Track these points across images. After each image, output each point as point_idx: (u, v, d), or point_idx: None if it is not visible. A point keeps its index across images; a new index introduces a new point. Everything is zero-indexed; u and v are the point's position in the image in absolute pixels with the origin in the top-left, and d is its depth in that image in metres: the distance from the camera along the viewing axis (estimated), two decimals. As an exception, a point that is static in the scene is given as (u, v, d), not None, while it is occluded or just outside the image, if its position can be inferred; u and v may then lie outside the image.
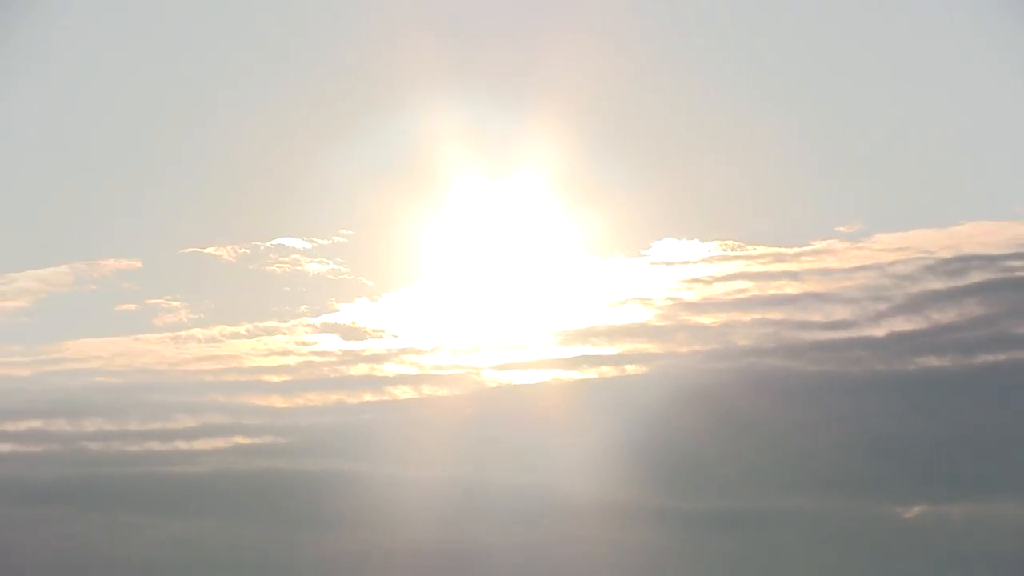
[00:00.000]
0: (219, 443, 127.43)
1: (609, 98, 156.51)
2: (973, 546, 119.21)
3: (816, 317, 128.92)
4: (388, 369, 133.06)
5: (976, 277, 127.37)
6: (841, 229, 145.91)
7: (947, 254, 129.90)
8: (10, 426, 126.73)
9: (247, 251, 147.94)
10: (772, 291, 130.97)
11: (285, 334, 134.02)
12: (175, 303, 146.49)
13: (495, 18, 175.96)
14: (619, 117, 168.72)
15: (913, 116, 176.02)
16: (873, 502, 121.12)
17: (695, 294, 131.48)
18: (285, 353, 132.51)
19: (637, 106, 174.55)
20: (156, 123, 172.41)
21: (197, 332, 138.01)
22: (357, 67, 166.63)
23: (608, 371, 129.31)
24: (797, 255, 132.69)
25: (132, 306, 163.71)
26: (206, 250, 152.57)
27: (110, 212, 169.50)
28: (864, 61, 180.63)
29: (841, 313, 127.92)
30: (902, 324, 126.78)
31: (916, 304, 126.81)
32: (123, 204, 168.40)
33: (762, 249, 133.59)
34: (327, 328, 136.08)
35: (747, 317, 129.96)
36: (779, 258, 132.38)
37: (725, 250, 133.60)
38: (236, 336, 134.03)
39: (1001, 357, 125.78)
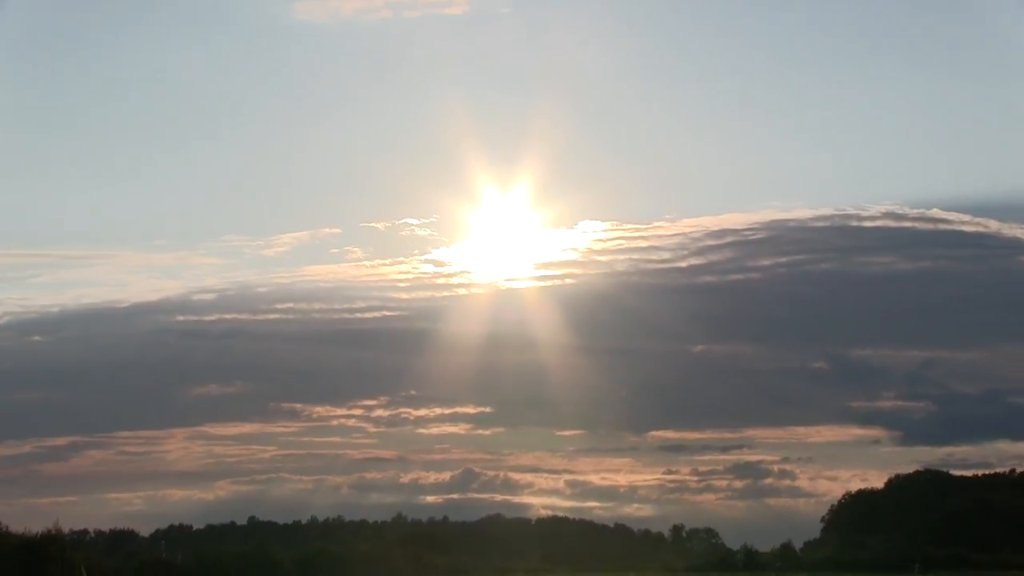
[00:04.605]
0: (375, 314, 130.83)
1: (560, 141, 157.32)
2: (728, 367, 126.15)
3: (654, 257, 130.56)
4: (454, 280, 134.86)
5: (726, 239, 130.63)
6: (667, 215, 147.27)
7: (716, 228, 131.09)
8: (279, 306, 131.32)
9: (390, 225, 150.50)
10: (634, 245, 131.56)
11: (406, 264, 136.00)
12: (356, 249, 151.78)
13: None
14: (562, 154, 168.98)
15: (699, 141, 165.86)
16: (679, 344, 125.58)
17: (599, 246, 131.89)
18: (407, 273, 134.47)
19: (568, 145, 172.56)
20: (347, 154, 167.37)
21: (366, 262, 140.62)
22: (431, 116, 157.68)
23: (557, 282, 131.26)
24: (646, 228, 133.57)
25: (336, 250, 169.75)
26: (371, 224, 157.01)
27: (326, 203, 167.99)
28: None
29: (666, 256, 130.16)
30: (694, 261, 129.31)
31: (700, 252, 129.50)
32: (335, 200, 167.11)
33: (629, 224, 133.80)
34: (426, 261, 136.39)
35: (622, 257, 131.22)
36: (637, 229, 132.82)
37: (612, 225, 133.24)
38: (384, 264, 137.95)
39: (740, 277, 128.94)
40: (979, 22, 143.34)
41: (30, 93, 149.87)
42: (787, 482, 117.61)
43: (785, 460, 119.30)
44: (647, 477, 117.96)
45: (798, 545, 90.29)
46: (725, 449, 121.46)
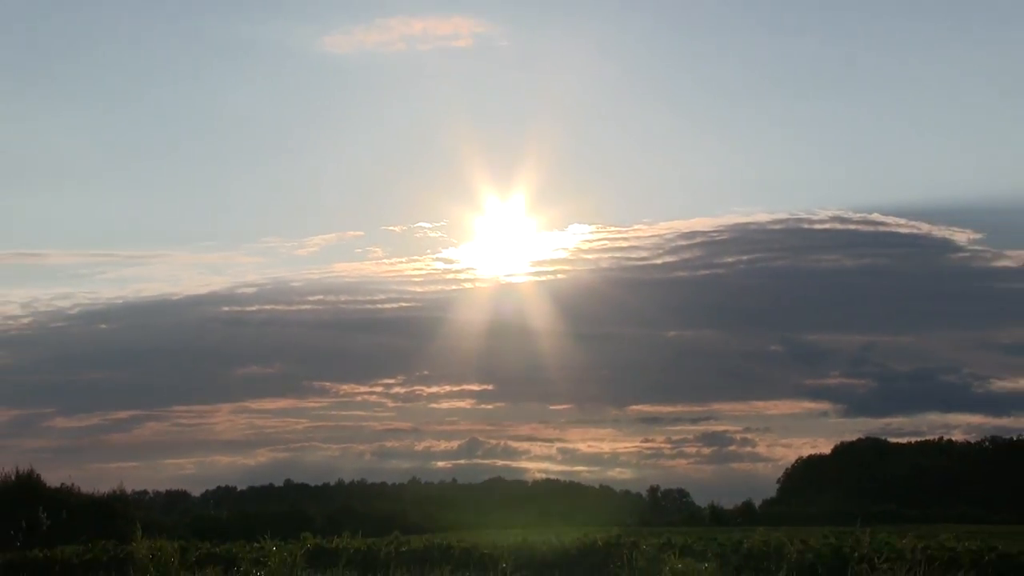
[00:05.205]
0: (393, 305, 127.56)
1: (552, 156, 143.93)
2: (697, 350, 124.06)
3: (634, 255, 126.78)
4: (461, 276, 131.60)
5: (696, 240, 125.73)
6: (644, 219, 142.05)
7: (687, 230, 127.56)
8: (311, 298, 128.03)
9: (405, 228, 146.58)
10: (616, 245, 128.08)
11: (420, 261, 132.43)
12: (377, 249, 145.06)
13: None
14: (554, 167, 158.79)
15: (672, 156, 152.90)
16: (654, 330, 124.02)
17: (586, 246, 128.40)
18: (421, 270, 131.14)
19: (559, 159, 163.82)
20: (369, 168, 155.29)
21: (385, 260, 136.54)
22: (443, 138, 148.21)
23: (550, 276, 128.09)
24: (626, 230, 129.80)
25: (360, 250, 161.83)
26: (389, 227, 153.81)
27: (351, 210, 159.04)
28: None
29: (643, 254, 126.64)
30: (667, 258, 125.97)
31: (673, 251, 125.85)
32: (358, 207, 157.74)
33: (612, 227, 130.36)
34: (437, 259, 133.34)
35: (606, 255, 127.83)
36: (620, 231, 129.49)
37: (597, 228, 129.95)
38: (401, 262, 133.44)
39: (707, 272, 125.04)
40: (912, 51, 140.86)
41: (100, 119, 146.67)
42: (748, 449, 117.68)
43: (746, 430, 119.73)
44: (627, 445, 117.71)
45: (757, 503, 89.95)
46: (694, 421, 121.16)
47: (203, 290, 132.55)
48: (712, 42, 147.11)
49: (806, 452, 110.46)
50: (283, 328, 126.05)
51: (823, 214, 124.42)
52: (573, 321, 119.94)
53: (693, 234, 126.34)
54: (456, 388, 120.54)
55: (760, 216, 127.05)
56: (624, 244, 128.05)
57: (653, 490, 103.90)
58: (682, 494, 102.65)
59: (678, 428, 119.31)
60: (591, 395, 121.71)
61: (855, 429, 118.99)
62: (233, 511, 72.78)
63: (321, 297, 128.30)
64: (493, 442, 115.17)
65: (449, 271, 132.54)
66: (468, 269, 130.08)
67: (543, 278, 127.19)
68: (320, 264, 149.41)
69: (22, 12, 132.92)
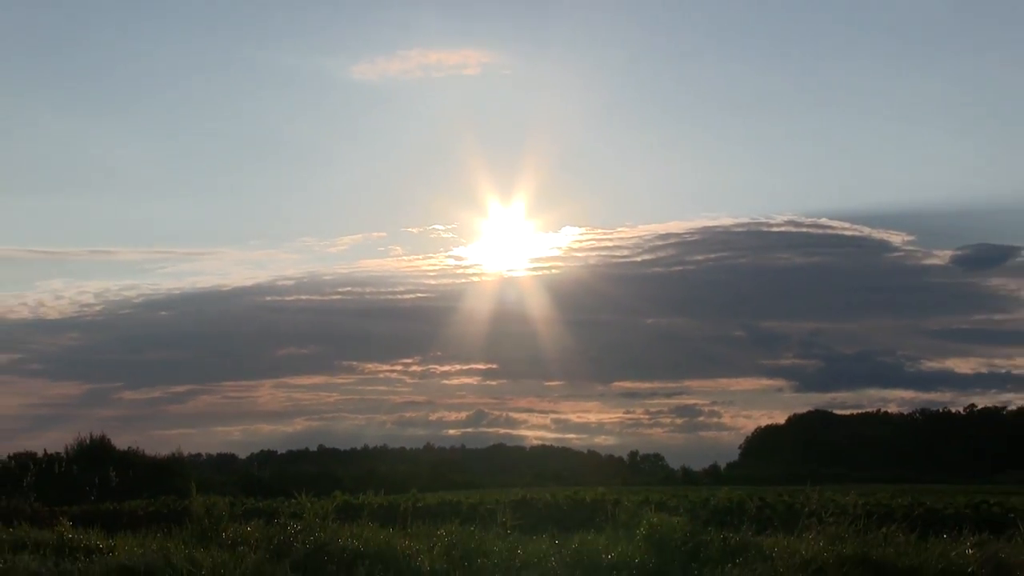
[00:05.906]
0: (411, 296, 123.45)
1: (549, 168, 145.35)
2: (671, 334, 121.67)
3: (618, 252, 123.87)
4: (470, 271, 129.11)
5: (670, 240, 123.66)
6: (627, 223, 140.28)
7: (663, 232, 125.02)
8: (340, 290, 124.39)
9: (422, 230, 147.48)
10: (603, 244, 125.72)
11: (435, 258, 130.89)
12: (398, 247, 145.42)
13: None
14: (550, 177, 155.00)
15: (651, 168, 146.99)
16: (635, 317, 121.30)
17: (577, 245, 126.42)
18: (435, 265, 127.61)
19: (554, 171, 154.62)
20: (391, 178, 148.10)
21: (404, 257, 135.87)
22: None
23: (546, 271, 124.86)
24: (611, 232, 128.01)
25: (383, 248, 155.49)
26: (408, 229, 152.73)
27: (375, 214, 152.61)
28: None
29: (626, 252, 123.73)
30: (646, 256, 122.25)
31: (651, 249, 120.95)
32: (382, 212, 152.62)
33: (599, 229, 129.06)
34: (449, 256, 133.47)
35: (593, 253, 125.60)
36: (605, 232, 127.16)
37: (586, 230, 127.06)
38: (418, 259, 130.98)
39: (680, 268, 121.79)
40: (854, 79, 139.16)
41: (163, 138, 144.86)
42: (715, 419, 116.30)
43: (713, 403, 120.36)
44: (611, 416, 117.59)
45: (722, 465, 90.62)
46: (669, 395, 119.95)
47: (249, 282, 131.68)
48: (684, 71, 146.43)
49: (764, 422, 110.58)
50: (317, 315, 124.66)
51: (779, 218, 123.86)
52: (565, 310, 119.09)
53: (668, 235, 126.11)
54: (465, 367, 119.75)
55: (725, 220, 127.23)
56: (609, 244, 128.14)
57: (633, 455, 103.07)
58: (658, 458, 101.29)
59: (655, 401, 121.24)
60: (580, 373, 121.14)
61: (806, 402, 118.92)
62: (274, 471, 72.59)
63: (349, 289, 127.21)
64: (496, 413, 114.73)
65: (459, 267, 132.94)
66: (475, 265, 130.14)
67: (540, 273, 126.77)
68: (349, 260, 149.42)
69: (92, 52, 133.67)
